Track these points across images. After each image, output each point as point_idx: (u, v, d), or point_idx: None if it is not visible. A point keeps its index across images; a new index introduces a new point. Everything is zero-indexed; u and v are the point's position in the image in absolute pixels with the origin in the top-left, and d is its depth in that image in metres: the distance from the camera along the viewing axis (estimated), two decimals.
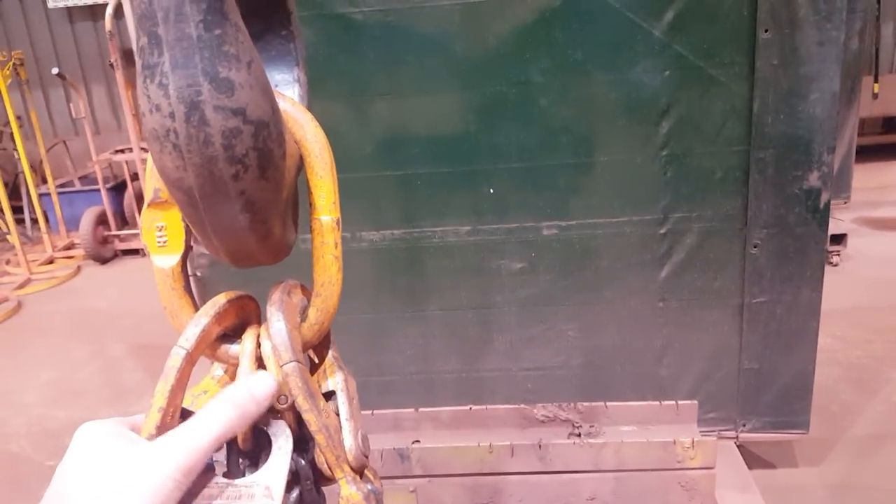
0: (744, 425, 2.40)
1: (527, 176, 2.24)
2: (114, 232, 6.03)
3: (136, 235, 6.06)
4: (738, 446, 2.36)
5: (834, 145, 2.11)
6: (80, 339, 4.42)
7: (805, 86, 2.05)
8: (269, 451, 0.70)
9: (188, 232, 0.71)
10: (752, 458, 2.50)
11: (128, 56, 5.01)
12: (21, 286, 5.51)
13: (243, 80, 0.55)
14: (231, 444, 0.69)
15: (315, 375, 0.75)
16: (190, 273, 2.52)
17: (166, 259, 0.71)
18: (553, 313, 2.35)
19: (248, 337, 0.71)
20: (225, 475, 0.68)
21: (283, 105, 0.65)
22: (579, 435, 1.48)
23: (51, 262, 6.08)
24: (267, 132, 0.57)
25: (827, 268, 2.28)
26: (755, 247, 2.21)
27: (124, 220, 6.31)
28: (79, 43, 7.71)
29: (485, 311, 2.38)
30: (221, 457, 0.69)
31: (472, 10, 2.10)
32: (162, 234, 0.71)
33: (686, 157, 2.16)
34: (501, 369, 2.43)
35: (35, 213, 6.27)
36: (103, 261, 5.98)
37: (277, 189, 0.63)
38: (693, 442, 1.40)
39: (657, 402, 1.48)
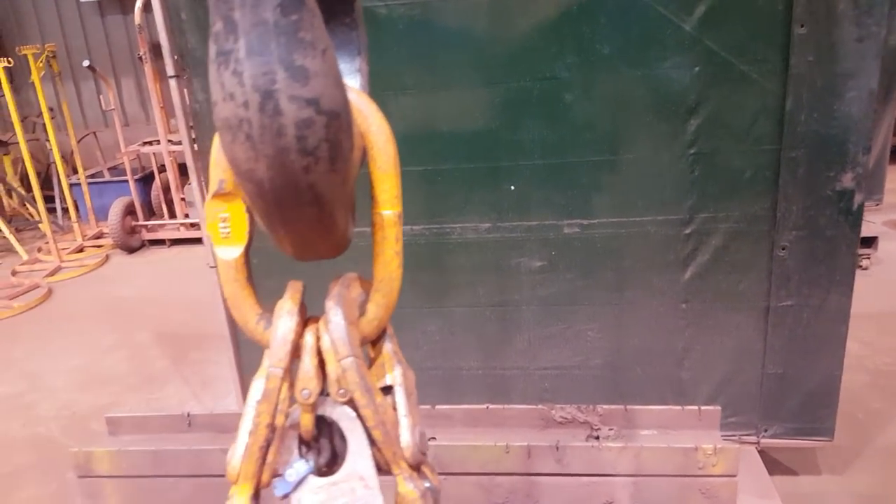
0: (766, 431, 2.35)
1: (549, 173, 2.21)
2: (141, 222, 6.12)
3: (162, 226, 6.15)
4: (758, 452, 2.31)
5: (870, 145, 2.05)
6: (107, 327, 4.50)
7: (841, 83, 1.99)
8: (332, 436, 0.74)
9: (251, 223, 0.70)
10: (773, 465, 2.45)
11: (156, 49, 5.07)
12: (52, 273, 5.62)
13: (318, 68, 0.53)
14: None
15: (372, 369, 0.76)
16: (213, 265, 2.54)
17: (229, 250, 0.71)
18: (573, 313, 2.32)
19: (309, 331, 0.73)
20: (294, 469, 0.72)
21: (349, 95, 0.64)
22: (598, 438, 1.46)
23: (80, 250, 6.19)
24: (339, 123, 0.56)
25: (856, 271, 2.22)
26: (783, 249, 2.16)
27: (151, 211, 6.40)
28: (109, 36, 7.83)
29: (503, 308, 2.37)
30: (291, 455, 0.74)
31: (497, 4, 2.08)
32: (225, 225, 0.70)
33: (714, 155, 2.11)
34: (519, 368, 2.42)
35: (66, 202, 6.39)
36: (131, 250, 6.08)
37: (345, 182, 0.62)
38: (715, 449, 1.37)
39: (679, 407, 1.45)
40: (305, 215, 0.60)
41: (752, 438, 2.34)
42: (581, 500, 1.44)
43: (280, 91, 0.52)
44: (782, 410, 2.32)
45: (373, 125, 0.70)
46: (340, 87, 0.56)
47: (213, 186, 0.70)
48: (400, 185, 0.71)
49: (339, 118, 0.56)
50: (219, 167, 0.69)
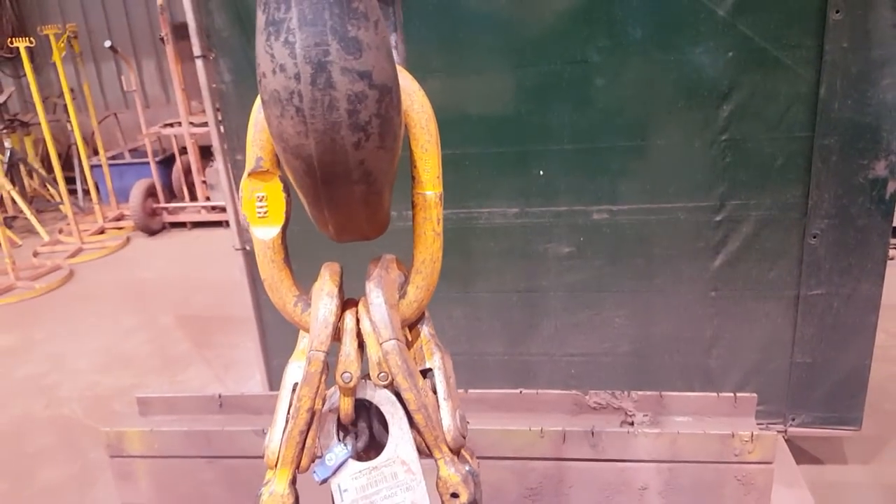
0: (793, 420, 2.34)
1: (578, 158, 2.19)
2: (162, 204, 6.16)
3: (183, 209, 6.18)
4: (785, 441, 2.30)
5: None
6: (128, 309, 4.54)
7: (876, 70, 1.95)
8: (370, 420, 0.73)
9: (289, 202, 0.69)
10: (799, 453, 2.44)
11: (178, 31, 5.07)
12: (73, 255, 5.68)
13: (370, 40, 0.51)
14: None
15: (411, 352, 0.75)
16: (239, 247, 2.55)
17: (267, 230, 0.70)
18: (601, 300, 2.32)
19: (349, 314, 0.72)
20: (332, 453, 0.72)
21: None
22: (632, 424, 1.46)
23: (101, 232, 6.25)
24: (389, 98, 0.54)
25: None
26: (814, 237, 2.14)
27: (172, 194, 6.42)
28: (130, 17, 7.83)
29: (530, 294, 2.36)
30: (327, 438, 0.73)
31: None
32: (262, 204, 0.69)
33: (746, 142, 2.08)
34: (545, 354, 2.42)
35: (87, 183, 6.44)
36: (151, 233, 6.12)
37: (392, 160, 0.60)
38: (752, 436, 1.37)
39: (714, 394, 1.44)
40: (353, 193, 0.58)
41: (780, 427, 2.34)
42: (615, 486, 1.44)
43: (333, 63, 0.50)
44: (810, 399, 2.30)
45: (415, 103, 0.69)
46: (391, 61, 0.55)
47: (249, 165, 0.68)
48: (440, 165, 0.69)
49: (390, 93, 0.54)
50: (256, 145, 0.67)
